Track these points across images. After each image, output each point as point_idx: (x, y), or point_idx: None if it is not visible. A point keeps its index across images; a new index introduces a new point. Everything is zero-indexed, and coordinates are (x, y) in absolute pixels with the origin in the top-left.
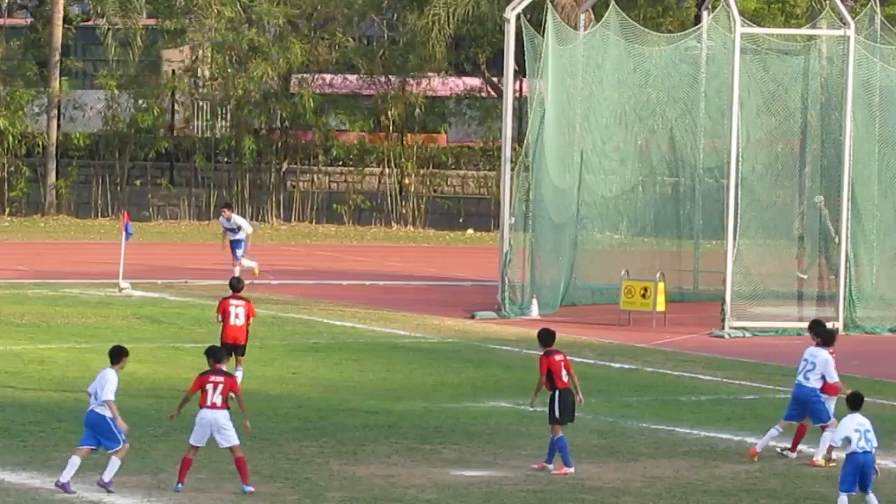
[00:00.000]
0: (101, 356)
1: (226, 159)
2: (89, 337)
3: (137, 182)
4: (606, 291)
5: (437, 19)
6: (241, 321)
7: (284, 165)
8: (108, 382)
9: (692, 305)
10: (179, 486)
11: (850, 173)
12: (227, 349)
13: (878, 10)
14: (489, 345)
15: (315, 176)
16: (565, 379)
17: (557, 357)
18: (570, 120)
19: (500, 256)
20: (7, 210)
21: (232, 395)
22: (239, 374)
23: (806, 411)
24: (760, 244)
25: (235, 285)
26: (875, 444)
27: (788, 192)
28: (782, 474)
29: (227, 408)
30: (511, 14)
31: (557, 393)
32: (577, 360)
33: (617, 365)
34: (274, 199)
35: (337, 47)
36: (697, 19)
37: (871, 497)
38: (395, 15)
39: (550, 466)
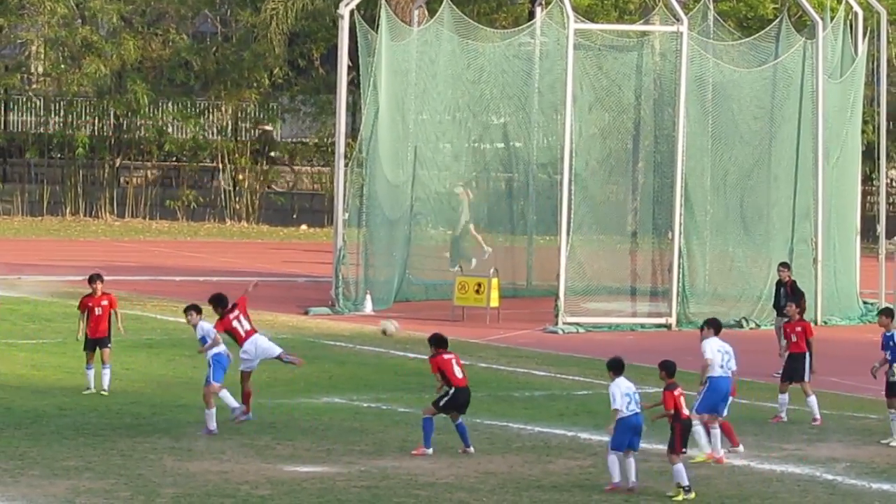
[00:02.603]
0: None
1: (59, 155)
2: None
3: None
4: (440, 287)
5: (274, 14)
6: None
7: (118, 161)
8: None
9: (526, 301)
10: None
11: (682, 169)
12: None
13: (711, 6)
14: (323, 340)
15: (148, 172)
16: (460, 375)
17: (447, 356)
18: (404, 116)
19: (334, 252)
20: None
21: None
22: (107, 373)
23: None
24: (594, 240)
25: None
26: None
27: (622, 188)
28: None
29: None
30: (345, 10)
31: (454, 391)
32: (410, 356)
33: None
34: (107, 194)
35: (170, 44)
36: (531, 15)
37: (631, 460)
38: (229, 11)
39: (471, 449)
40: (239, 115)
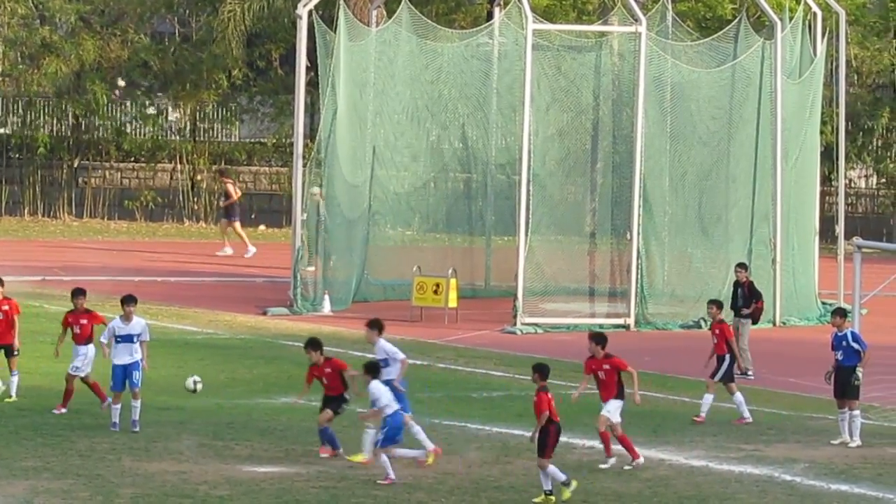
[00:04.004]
0: None
1: (17, 155)
2: None
3: None
4: (398, 288)
5: (232, 15)
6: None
7: (76, 162)
8: None
9: (484, 302)
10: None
11: (641, 169)
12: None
13: (670, 6)
14: (281, 341)
15: (107, 172)
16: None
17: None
18: (363, 116)
19: (292, 252)
20: None
21: None
22: (15, 380)
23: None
24: (552, 240)
25: None
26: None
27: (580, 189)
28: (574, 469)
29: None
30: (303, 10)
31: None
32: (368, 356)
33: (414, 361)
34: (65, 195)
35: (129, 44)
36: (490, 15)
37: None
38: (187, 12)
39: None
40: (197, 115)
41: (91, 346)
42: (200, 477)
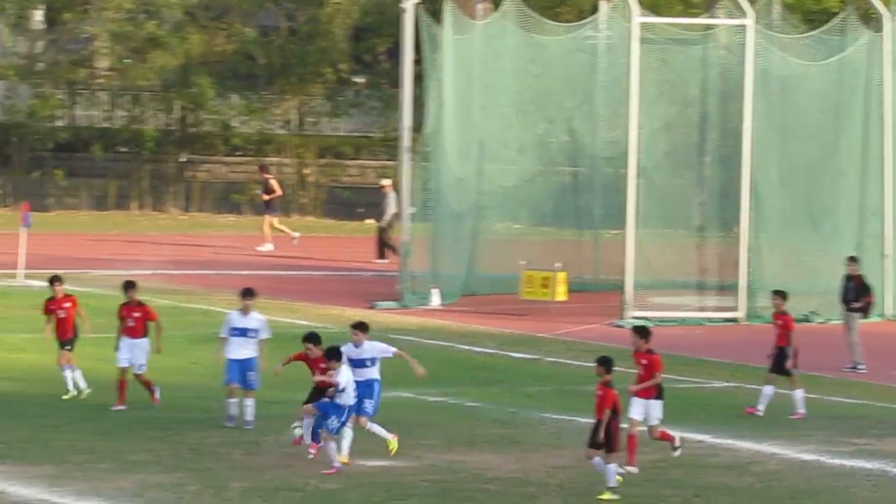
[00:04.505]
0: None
1: (125, 149)
2: None
3: (37, 172)
4: (506, 281)
5: (339, 9)
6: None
7: (183, 156)
8: None
9: (593, 295)
10: None
11: (749, 163)
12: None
13: None
14: (390, 335)
15: (214, 166)
16: None
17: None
18: (469, 110)
19: (400, 246)
20: None
21: None
22: (69, 374)
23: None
24: (660, 234)
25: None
26: None
27: (688, 182)
28: (685, 465)
29: None
30: (409, 4)
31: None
32: (477, 349)
33: (517, 355)
34: (173, 189)
35: (235, 38)
36: (595, 9)
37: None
38: (294, 5)
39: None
40: (304, 109)
41: (146, 340)
42: (310, 471)
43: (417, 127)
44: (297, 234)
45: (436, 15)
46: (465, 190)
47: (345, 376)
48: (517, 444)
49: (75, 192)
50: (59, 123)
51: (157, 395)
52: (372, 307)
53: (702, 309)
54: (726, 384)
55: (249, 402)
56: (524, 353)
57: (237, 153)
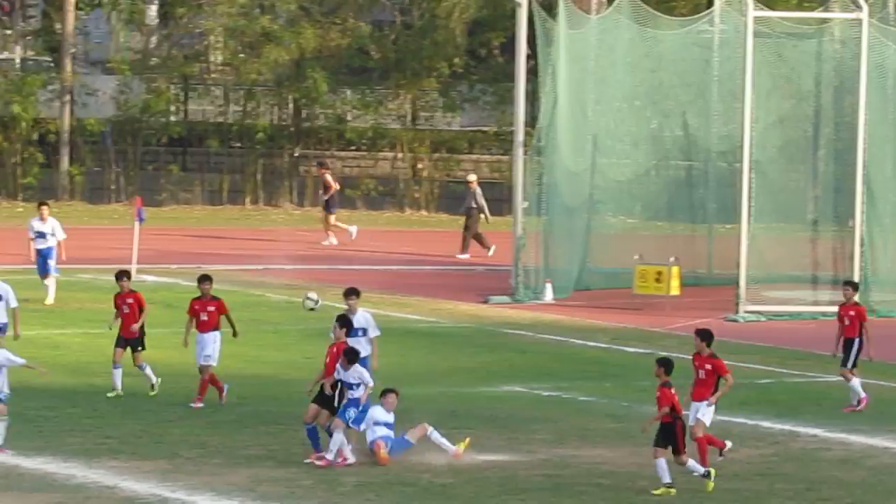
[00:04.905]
0: (112, 341)
1: (238, 144)
2: (102, 322)
3: (150, 167)
4: (620, 276)
5: (457, 3)
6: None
7: (297, 150)
8: None
9: (706, 289)
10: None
11: (864, 157)
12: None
13: None
14: (503, 329)
15: (328, 161)
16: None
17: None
18: (583, 104)
19: (513, 241)
20: (20, 196)
21: None
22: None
23: None
24: (774, 228)
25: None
26: None
27: (801, 176)
28: (797, 458)
29: None
30: None
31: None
32: (590, 344)
33: (631, 349)
34: (286, 183)
35: (349, 32)
36: (710, 3)
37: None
38: (408, 0)
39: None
40: (418, 104)
41: (218, 334)
42: (423, 465)
43: (531, 121)
44: (354, 229)
45: (550, 9)
46: (579, 184)
47: (365, 374)
48: (630, 438)
49: (189, 187)
50: (173, 118)
51: (225, 394)
52: (485, 302)
53: (815, 303)
54: (839, 378)
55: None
56: (637, 348)
57: (351, 148)
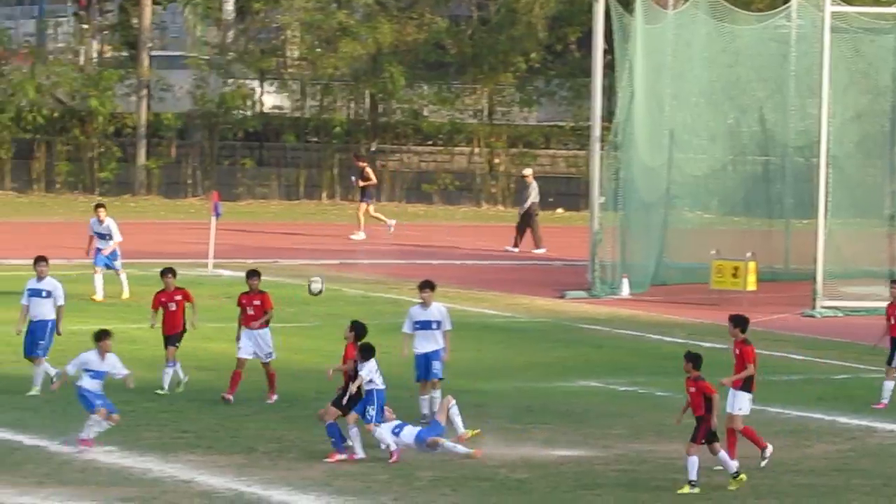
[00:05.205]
0: (187, 335)
1: (315, 139)
2: None
3: (226, 162)
4: (697, 271)
5: None
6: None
7: (374, 145)
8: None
9: (783, 285)
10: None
11: None
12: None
13: None
14: (579, 324)
15: (404, 155)
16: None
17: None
18: (660, 99)
19: (590, 236)
20: (97, 190)
21: None
22: (170, 371)
23: None
24: (851, 223)
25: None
26: None
27: (879, 171)
28: (874, 454)
29: None
30: None
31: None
32: (667, 339)
33: (707, 344)
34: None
35: (426, 27)
36: None
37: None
38: None
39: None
40: (494, 98)
41: (267, 329)
42: (499, 460)
43: (608, 116)
44: (392, 222)
45: (627, 4)
46: (656, 179)
47: (371, 370)
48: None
49: (265, 182)
50: (249, 113)
51: (275, 396)
52: (562, 296)
53: None
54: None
55: (436, 394)
56: (714, 343)
57: (427, 142)
